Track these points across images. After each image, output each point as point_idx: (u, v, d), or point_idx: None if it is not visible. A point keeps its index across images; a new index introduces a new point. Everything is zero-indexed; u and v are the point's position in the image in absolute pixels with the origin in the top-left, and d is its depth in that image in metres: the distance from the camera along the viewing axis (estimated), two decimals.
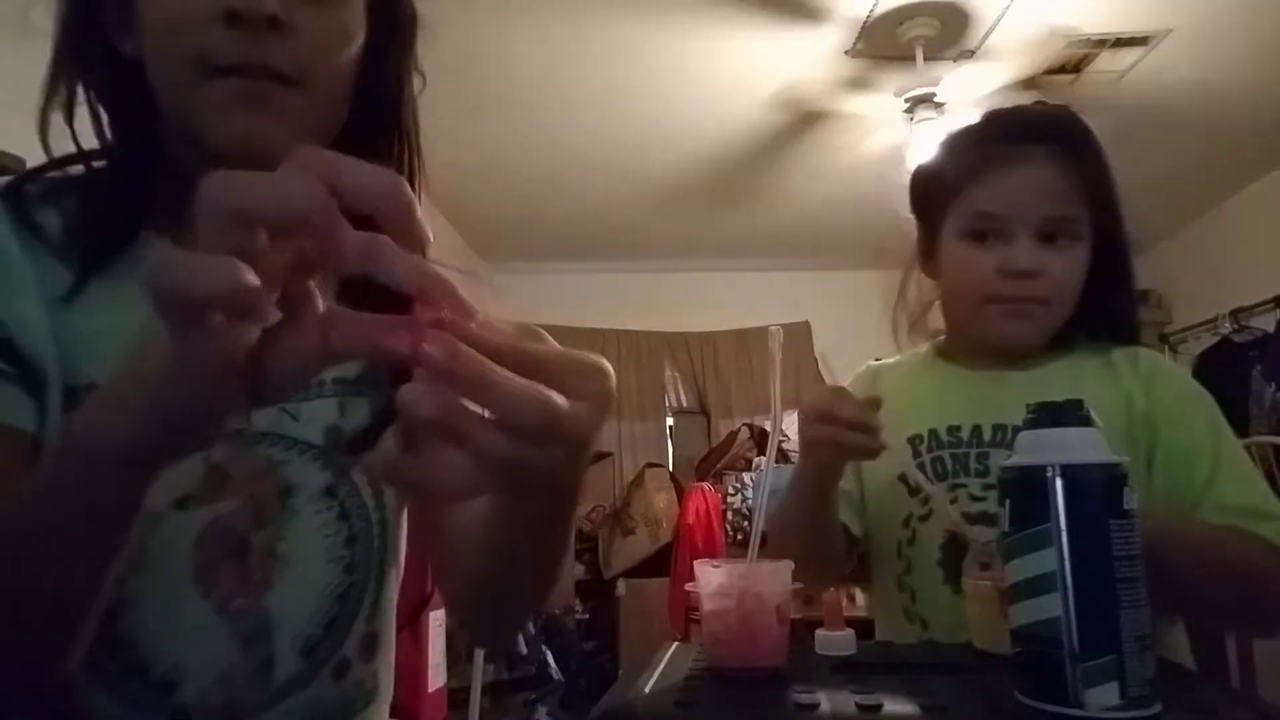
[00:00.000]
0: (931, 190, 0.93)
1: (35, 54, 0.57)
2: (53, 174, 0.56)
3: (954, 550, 0.85)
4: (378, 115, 0.60)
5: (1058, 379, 0.88)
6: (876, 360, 1.08)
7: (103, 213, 0.53)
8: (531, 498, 0.42)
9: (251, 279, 0.28)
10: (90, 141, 0.57)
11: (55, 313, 0.50)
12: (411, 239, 0.31)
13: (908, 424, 0.91)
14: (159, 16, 0.51)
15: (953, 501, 0.86)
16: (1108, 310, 0.90)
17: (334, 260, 0.31)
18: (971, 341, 0.94)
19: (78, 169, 0.56)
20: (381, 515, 0.62)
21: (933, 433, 0.90)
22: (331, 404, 0.60)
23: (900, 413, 0.93)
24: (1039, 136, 0.86)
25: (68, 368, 0.50)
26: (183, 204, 0.50)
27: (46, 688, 0.43)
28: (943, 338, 1.00)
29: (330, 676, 0.58)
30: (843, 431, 0.75)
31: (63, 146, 0.57)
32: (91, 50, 0.55)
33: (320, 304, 0.34)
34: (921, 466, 0.89)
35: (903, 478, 0.90)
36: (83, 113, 0.56)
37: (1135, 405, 0.85)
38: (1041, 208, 0.84)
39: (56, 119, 0.56)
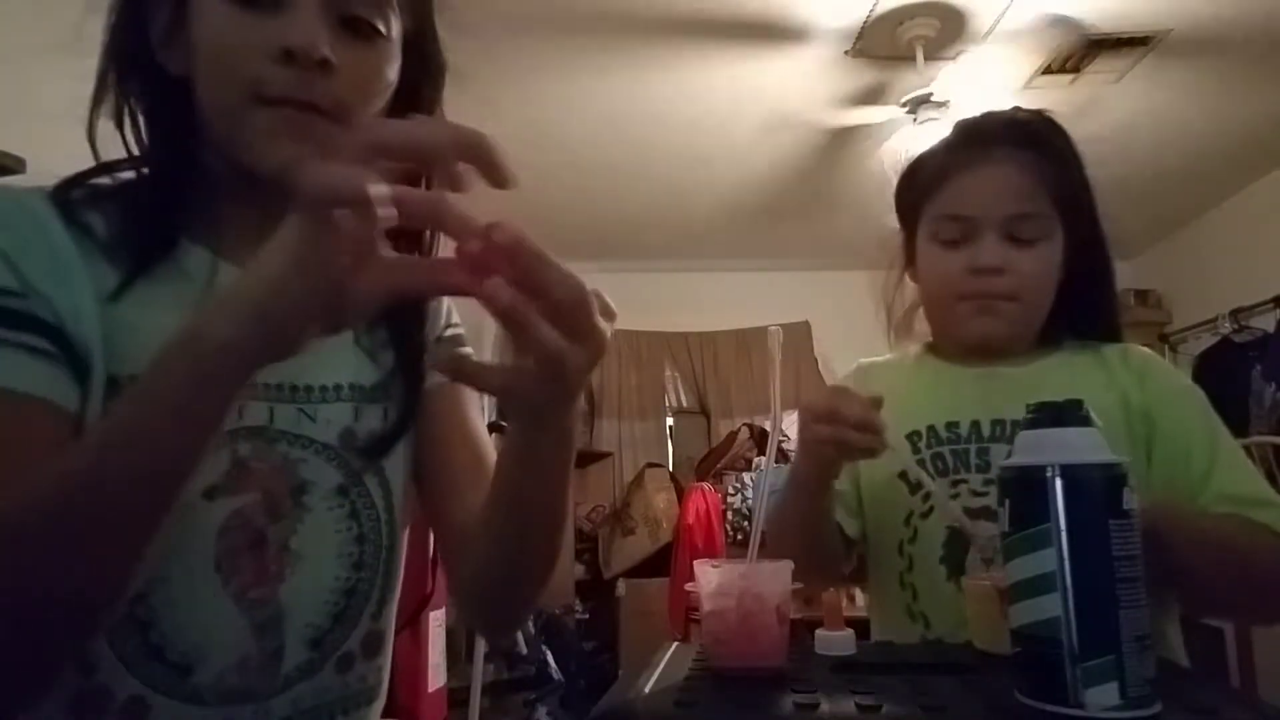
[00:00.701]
0: (906, 198, 0.97)
1: (90, 68, 0.59)
2: (94, 181, 0.58)
3: (957, 547, 0.85)
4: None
5: (1052, 375, 0.90)
6: (869, 359, 1.08)
7: (144, 221, 0.56)
8: (547, 429, 0.50)
9: (381, 188, 0.38)
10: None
11: (103, 307, 0.53)
12: (501, 177, 0.40)
13: (905, 420, 0.92)
14: (215, 45, 0.54)
15: (954, 497, 0.86)
16: (1089, 308, 0.92)
17: (417, 205, 0.40)
18: (954, 341, 0.96)
19: (116, 177, 0.59)
20: (390, 518, 0.65)
21: (931, 429, 0.91)
22: (347, 408, 0.63)
23: (897, 410, 0.94)
24: (1000, 139, 0.89)
25: (111, 359, 0.53)
26: (218, 213, 0.57)
27: (117, 596, 0.46)
28: (931, 339, 1.01)
29: (334, 669, 0.61)
30: (847, 430, 0.76)
31: (113, 151, 0.59)
32: (137, 64, 0.58)
33: (385, 251, 0.42)
34: (921, 463, 0.89)
35: (903, 475, 0.90)
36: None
37: (1131, 400, 0.86)
38: (1003, 206, 0.87)
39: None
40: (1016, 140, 0.88)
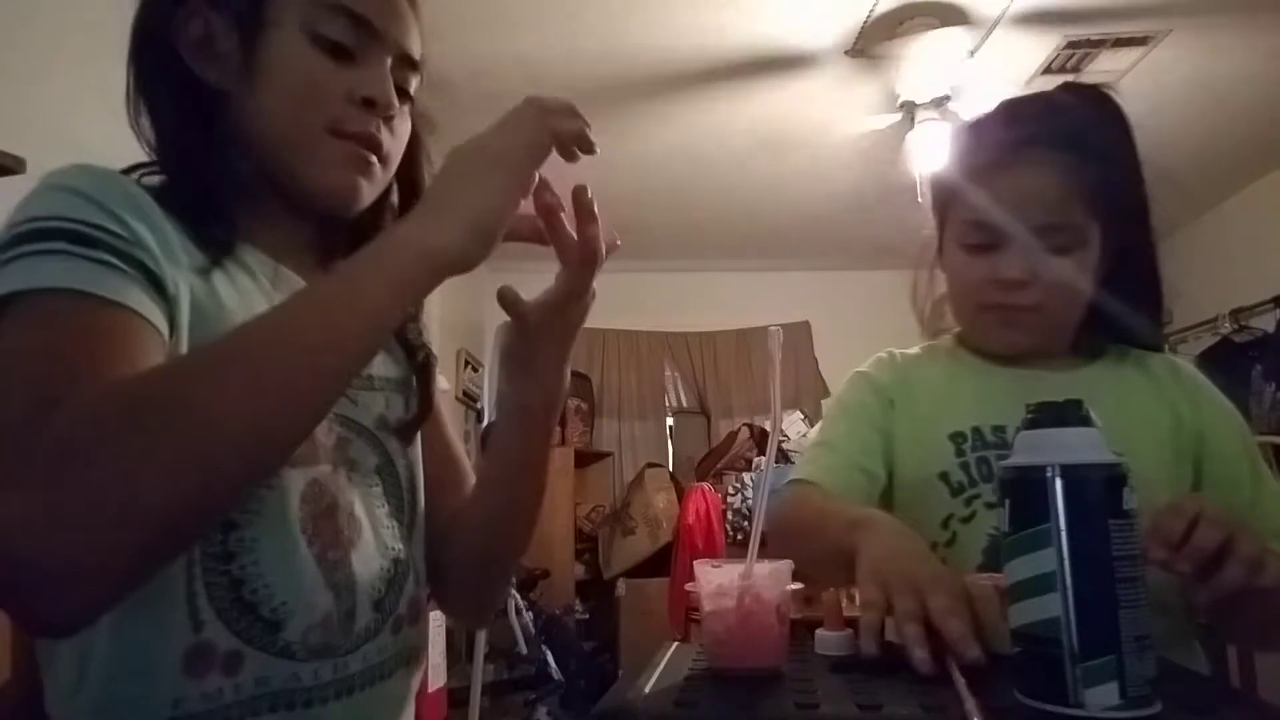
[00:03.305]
0: (937, 192, 0.93)
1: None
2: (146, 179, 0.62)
3: (999, 553, 0.82)
4: (409, 174, 0.76)
5: (1100, 384, 0.87)
6: (898, 349, 1.03)
7: (203, 226, 0.61)
8: (540, 379, 0.68)
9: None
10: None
11: (194, 279, 0.58)
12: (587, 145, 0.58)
13: (947, 420, 0.89)
14: (300, 82, 0.62)
15: (1001, 504, 0.84)
16: (1131, 314, 0.87)
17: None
18: (980, 344, 0.93)
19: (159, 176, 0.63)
20: (413, 499, 0.72)
21: (976, 430, 0.87)
22: (380, 397, 0.71)
23: (938, 407, 0.92)
24: (1035, 137, 0.82)
25: (194, 329, 0.56)
26: (272, 222, 0.67)
27: (289, 449, 0.52)
28: (958, 329, 0.98)
29: (390, 630, 0.66)
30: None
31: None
32: (164, 70, 0.63)
33: None
34: (965, 466, 0.86)
35: (943, 476, 0.87)
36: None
37: (1184, 417, 0.85)
38: (1033, 216, 0.82)
39: None
40: (1053, 139, 0.81)
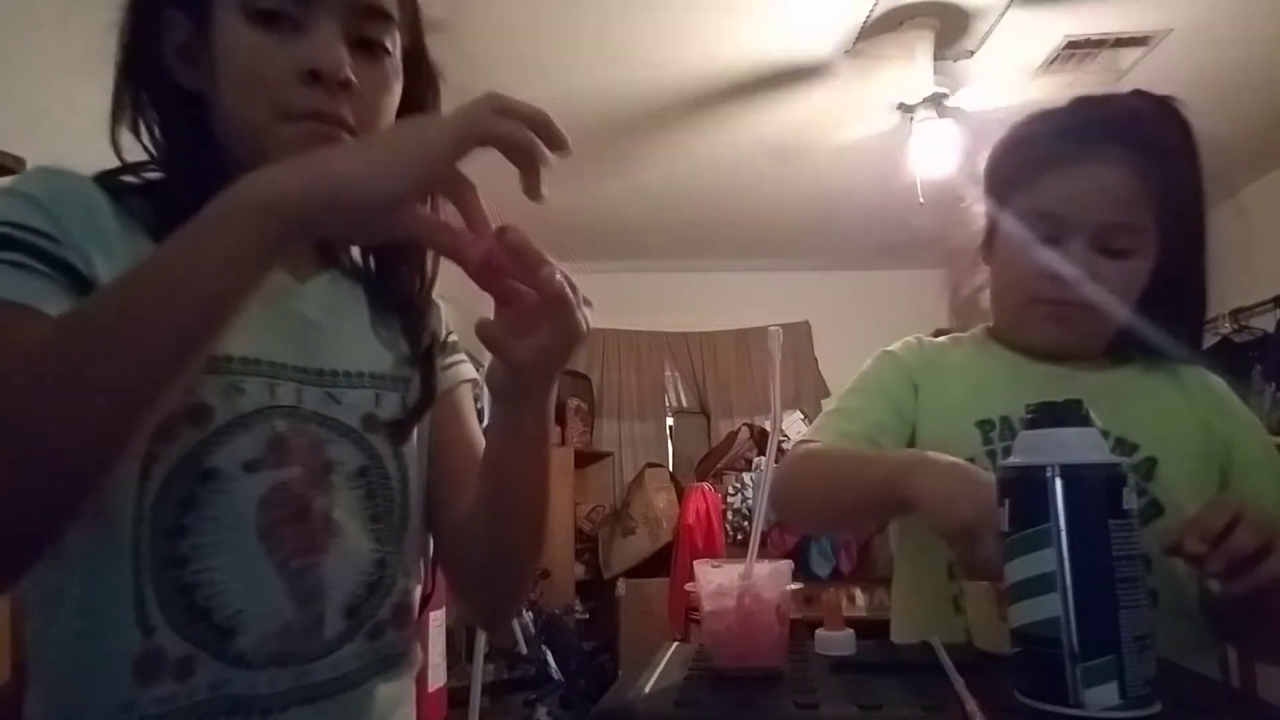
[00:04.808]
0: (998, 177, 0.90)
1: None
2: (126, 178, 0.61)
3: None
4: None
5: (1132, 389, 0.87)
6: (925, 336, 1.02)
7: (176, 223, 0.59)
8: (529, 406, 0.61)
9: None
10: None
11: None
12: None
13: (976, 407, 0.88)
14: (242, 67, 0.58)
15: None
16: (1171, 325, 0.86)
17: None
18: (1018, 337, 0.92)
19: (144, 176, 0.62)
20: (404, 500, 0.69)
21: (1005, 420, 0.86)
22: (369, 395, 0.67)
23: (967, 394, 0.91)
24: (1111, 135, 0.81)
25: None
26: None
27: (130, 435, 0.47)
28: (990, 323, 0.97)
29: (367, 636, 0.64)
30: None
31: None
32: (151, 81, 0.61)
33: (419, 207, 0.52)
34: (992, 454, 0.85)
35: (970, 462, 0.86)
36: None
37: (1214, 428, 0.85)
38: (1099, 213, 0.80)
39: None
40: (1129, 139, 0.80)
